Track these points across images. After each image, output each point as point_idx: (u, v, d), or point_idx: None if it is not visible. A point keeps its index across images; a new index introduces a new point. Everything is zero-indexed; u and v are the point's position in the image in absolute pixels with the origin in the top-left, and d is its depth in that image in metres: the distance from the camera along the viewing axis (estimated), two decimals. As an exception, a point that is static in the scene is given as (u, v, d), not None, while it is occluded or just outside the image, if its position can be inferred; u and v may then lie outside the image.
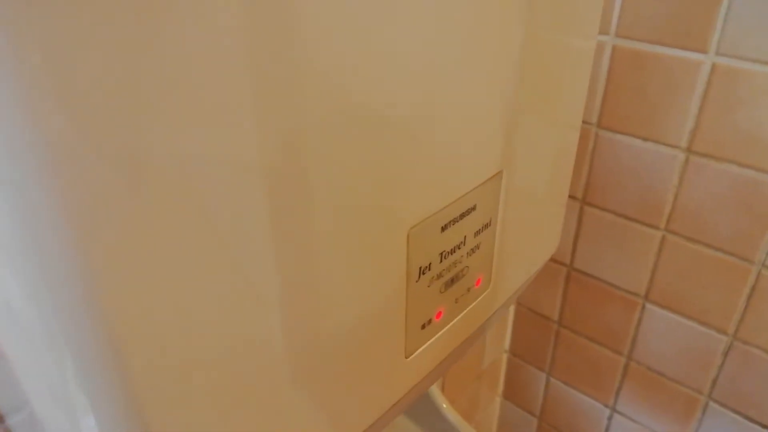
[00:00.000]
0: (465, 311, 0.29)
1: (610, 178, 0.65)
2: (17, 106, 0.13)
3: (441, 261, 0.26)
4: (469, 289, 0.29)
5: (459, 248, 0.27)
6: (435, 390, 0.53)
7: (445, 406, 0.53)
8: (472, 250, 0.28)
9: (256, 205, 0.18)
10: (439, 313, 0.27)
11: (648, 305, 0.67)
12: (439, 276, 0.26)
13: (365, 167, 0.20)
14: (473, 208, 0.26)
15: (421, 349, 0.27)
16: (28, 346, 0.19)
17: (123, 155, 0.14)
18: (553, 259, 0.74)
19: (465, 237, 0.27)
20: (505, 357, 0.87)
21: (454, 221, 0.25)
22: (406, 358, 0.27)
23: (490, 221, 0.28)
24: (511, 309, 0.81)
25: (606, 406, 0.77)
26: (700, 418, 0.69)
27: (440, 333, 0.28)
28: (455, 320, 0.29)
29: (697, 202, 0.60)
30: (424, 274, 0.25)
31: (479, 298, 0.30)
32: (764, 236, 0.57)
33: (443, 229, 0.25)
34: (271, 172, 0.18)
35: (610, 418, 0.78)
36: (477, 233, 0.27)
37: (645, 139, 0.61)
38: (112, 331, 0.16)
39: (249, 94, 0.16)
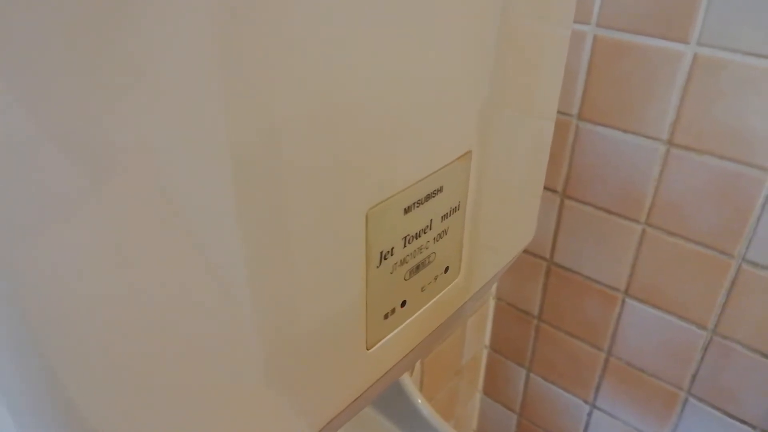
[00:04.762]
0: (432, 301, 0.28)
1: (591, 171, 0.64)
2: None
3: (405, 246, 0.24)
4: (436, 278, 0.27)
5: (425, 232, 0.25)
6: (410, 385, 0.52)
7: (420, 401, 0.52)
8: (439, 235, 0.26)
9: (198, 182, 0.16)
10: (404, 302, 0.26)
11: (628, 300, 0.67)
12: (403, 262, 0.25)
13: (318, 141, 0.19)
14: (440, 190, 0.25)
15: (384, 341, 0.26)
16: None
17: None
18: (533, 254, 0.73)
19: (431, 221, 0.25)
20: (485, 352, 0.86)
21: (419, 203, 0.24)
22: (368, 349, 0.25)
23: (459, 205, 0.27)
24: (491, 304, 0.80)
25: (586, 402, 0.77)
26: (679, 414, 0.68)
27: (405, 323, 0.27)
28: (421, 310, 0.27)
29: (678, 195, 0.59)
30: (385, 259, 0.24)
31: (448, 287, 0.29)
32: (744, 230, 0.56)
33: (406, 211, 0.23)
34: (218, 147, 0.16)
35: (590, 415, 0.77)
36: (444, 217, 0.26)
37: (625, 131, 0.60)
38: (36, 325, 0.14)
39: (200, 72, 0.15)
